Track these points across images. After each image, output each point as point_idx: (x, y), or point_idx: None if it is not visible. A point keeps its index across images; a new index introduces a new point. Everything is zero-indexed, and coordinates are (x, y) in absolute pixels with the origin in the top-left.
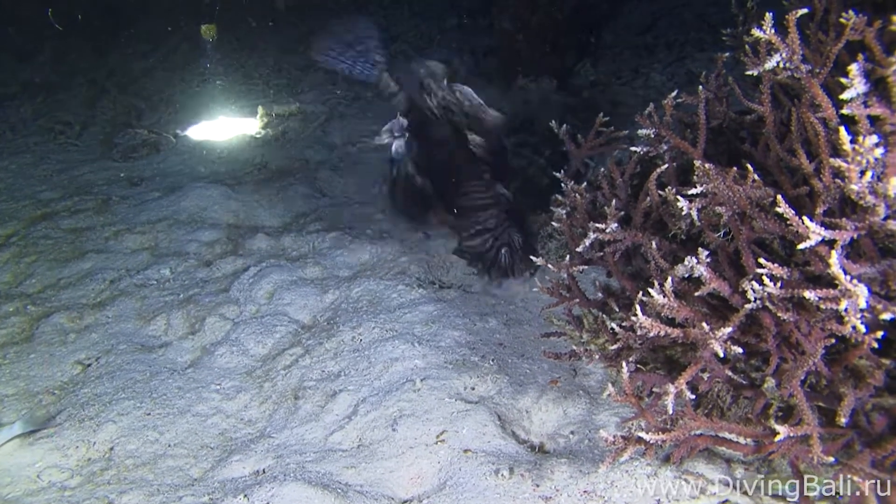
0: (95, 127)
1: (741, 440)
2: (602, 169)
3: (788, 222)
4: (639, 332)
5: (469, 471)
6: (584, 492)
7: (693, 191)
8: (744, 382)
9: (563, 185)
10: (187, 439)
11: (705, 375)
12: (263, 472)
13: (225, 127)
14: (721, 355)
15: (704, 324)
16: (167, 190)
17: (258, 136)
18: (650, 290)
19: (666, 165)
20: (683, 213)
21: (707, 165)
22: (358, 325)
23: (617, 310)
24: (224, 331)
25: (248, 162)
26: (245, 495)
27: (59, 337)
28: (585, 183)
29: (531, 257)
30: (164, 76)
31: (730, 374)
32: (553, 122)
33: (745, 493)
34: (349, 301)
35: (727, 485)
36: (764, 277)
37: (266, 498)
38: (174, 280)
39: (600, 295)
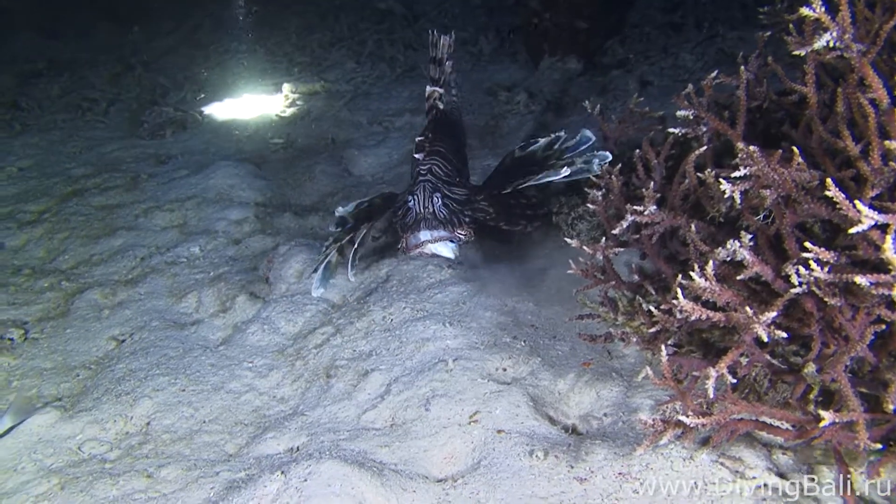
0: (121, 104)
1: (782, 425)
2: (637, 151)
3: (838, 206)
4: (679, 316)
5: (503, 451)
6: (620, 473)
7: (737, 173)
8: (783, 367)
9: (599, 163)
10: (222, 416)
11: (744, 360)
12: (298, 449)
13: (250, 105)
14: (766, 339)
15: (748, 308)
16: (195, 168)
17: (283, 114)
18: (691, 273)
19: (704, 147)
20: (726, 195)
21: (752, 147)
22: (388, 305)
23: (653, 293)
24: (255, 309)
25: (274, 141)
26: (282, 472)
27: (94, 313)
28: (620, 165)
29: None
30: (187, 53)
31: (769, 358)
32: (587, 101)
33: (784, 477)
34: (378, 281)
35: (766, 469)
36: (811, 261)
37: (303, 475)
38: (204, 258)
39: (636, 277)
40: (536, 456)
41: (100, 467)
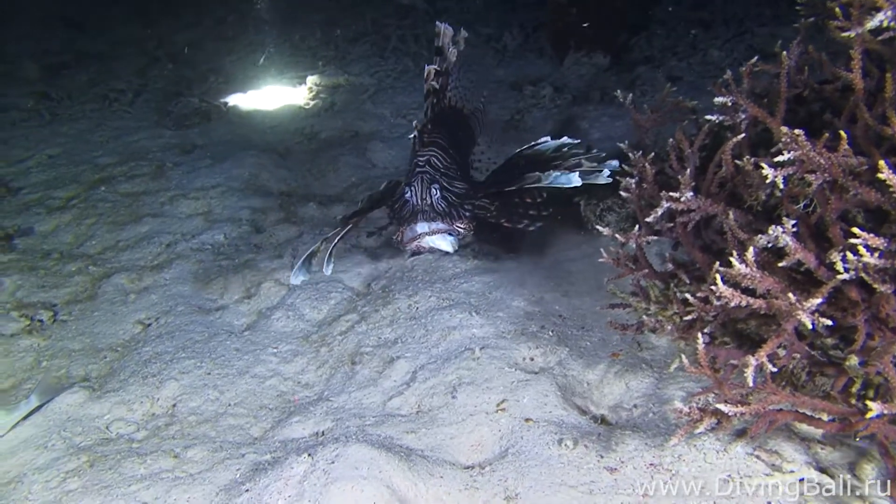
0: (147, 95)
1: (824, 417)
2: (670, 140)
3: (892, 190)
4: (716, 304)
5: (531, 440)
6: (651, 464)
7: (780, 157)
8: (823, 359)
9: (629, 155)
10: (247, 399)
11: (781, 352)
12: (323, 433)
13: (274, 97)
14: (810, 327)
15: (791, 294)
16: (220, 157)
17: (307, 106)
18: (731, 258)
19: (743, 135)
20: (768, 180)
21: (797, 131)
22: (414, 294)
23: (687, 281)
24: (279, 296)
25: (298, 132)
26: (309, 454)
27: (120, 297)
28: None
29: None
30: (212, 46)
31: (809, 350)
32: (618, 91)
33: (826, 472)
34: (403, 270)
35: (805, 464)
36: (860, 248)
37: (330, 457)
38: (229, 245)
39: (670, 266)
40: (566, 445)
41: (127, 447)
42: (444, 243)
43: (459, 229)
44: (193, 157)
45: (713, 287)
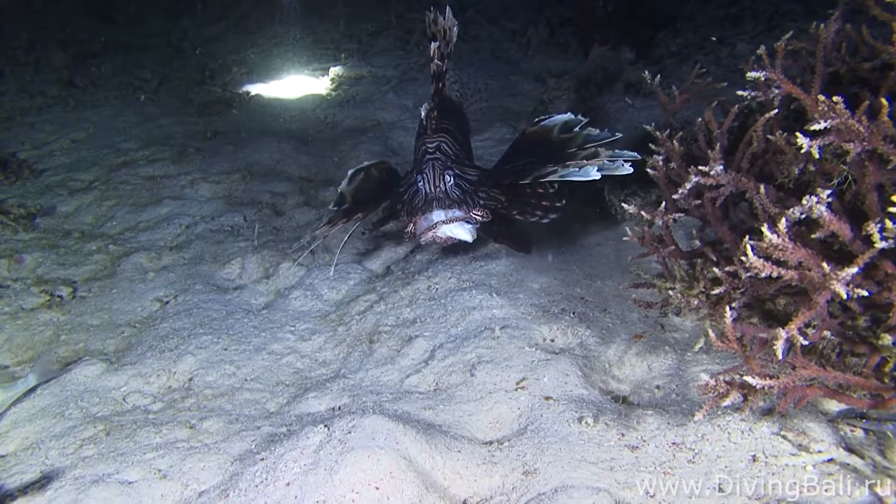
0: (171, 84)
1: (856, 395)
2: (699, 119)
3: None
4: (745, 276)
5: (551, 417)
6: (673, 443)
7: (816, 126)
8: (854, 337)
9: (655, 135)
10: (263, 375)
11: (810, 331)
12: (339, 409)
13: (297, 87)
14: (845, 296)
15: (825, 264)
16: (241, 144)
17: (330, 97)
18: (763, 228)
19: (776, 111)
20: (803, 150)
21: (836, 98)
22: (433, 275)
23: (714, 260)
24: (298, 276)
25: (320, 121)
26: (325, 425)
27: (139, 275)
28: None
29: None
30: (235, 39)
31: (839, 327)
32: (646, 72)
33: (855, 452)
34: (423, 252)
35: (833, 444)
36: None
37: (347, 428)
38: (248, 227)
39: (698, 243)
40: (586, 423)
41: (143, 417)
42: (463, 231)
43: (477, 217)
44: (215, 143)
45: (743, 258)
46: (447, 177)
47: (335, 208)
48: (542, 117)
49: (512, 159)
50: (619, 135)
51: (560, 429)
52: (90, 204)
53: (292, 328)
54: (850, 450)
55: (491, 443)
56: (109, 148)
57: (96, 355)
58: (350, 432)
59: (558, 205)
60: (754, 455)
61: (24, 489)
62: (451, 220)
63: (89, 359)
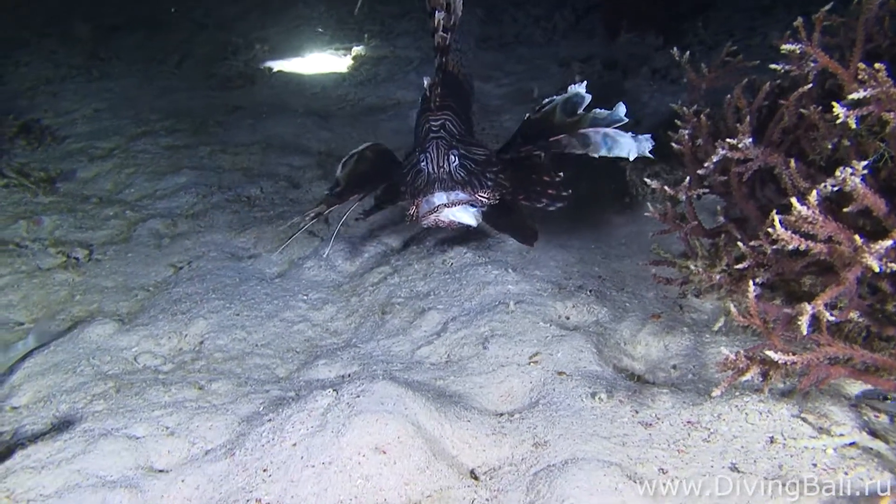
0: (194, 59)
1: (884, 376)
2: (727, 97)
3: None
4: (770, 251)
5: (564, 392)
6: (688, 422)
7: (854, 95)
8: (883, 319)
9: (682, 110)
10: (274, 342)
11: (834, 312)
12: (349, 376)
13: (319, 66)
14: (877, 270)
15: (857, 236)
16: (261, 118)
17: (351, 76)
18: (792, 200)
19: (810, 85)
20: (839, 120)
21: (878, 65)
22: (449, 250)
23: (738, 237)
24: (312, 247)
25: (340, 98)
26: (334, 389)
27: (155, 241)
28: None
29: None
30: (259, 17)
31: (869, 309)
32: (674, 48)
33: (877, 436)
34: (439, 228)
35: (855, 427)
36: None
37: (356, 392)
38: (265, 198)
39: (722, 219)
40: (599, 398)
41: (153, 377)
42: (466, 215)
43: (482, 199)
44: (236, 116)
45: (770, 230)
46: (452, 156)
47: (329, 192)
48: (544, 102)
49: (516, 145)
50: (625, 118)
51: (572, 403)
52: (109, 171)
53: (305, 297)
54: (874, 434)
55: (501, 414)
56: (130, 118)
57: (110, 316)
58: (359, 396)
59: (565, 193)
60: (772, 437)
61: (35, 438)
62: (453, 203)
63: (102, 318)
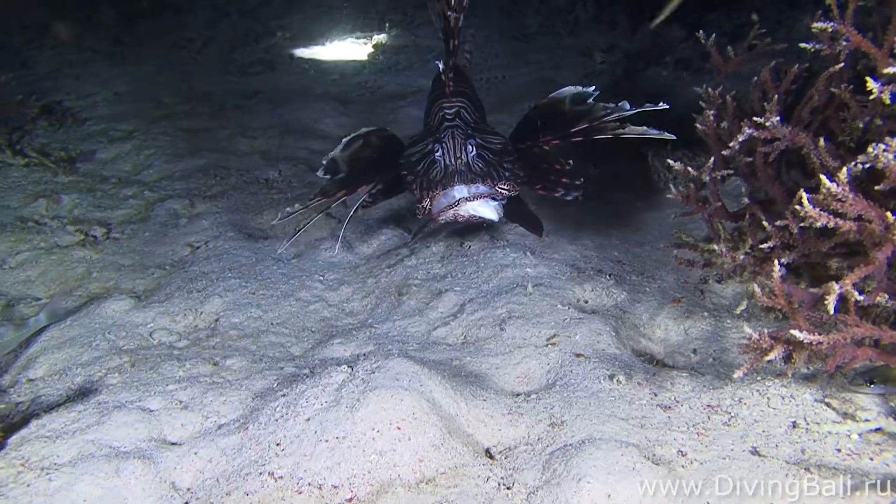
0: (215, 45)
1: None
2: (754, 78)
3: None
4: (796, 230)
5: (581, 374)
6: (708, 405)
7: (889, 69)
8: None
9: (707, 92)
10: (289, 321)
11: (864, 293)
12: (364, 355)
13: (340, 53)
14: None
15: (889, 213)
16: (281, 103)
17: (372, 64)
18: (821, 176)
19: (842, 65)
20: (873, 95)
21: None
22: (466, 232)
23: (763, 219)
24: (329, 228)
25: (360, 85)
26: (349, 366)
27: (172, 220)
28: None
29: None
30: (281, 5)
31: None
32: (700, 31)
33: None
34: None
35: (882, 414)
36: None
37: (371, 368)
38: (283, 181)
39: (746, 200)
40: (618, 380)
41: (168, 352)
42: (488, 209)
43: (503, 191)
44: (255, 101)
45: (797, 207)
46: (469, 146)
47: (327, 176)
48: (550, 92)
49: (524, 133)
50: (629, 110)
51: (590, 385)
52: (129, 152)
53: (321, 277)
54: None
55: (518, 395)
56: (151, 101)
57: (126, 293)
58: (374, 372)
59: (578, 183)
60: (795, 421)
61: (50, 409)
62: (474, 197)
63: (118, 295)
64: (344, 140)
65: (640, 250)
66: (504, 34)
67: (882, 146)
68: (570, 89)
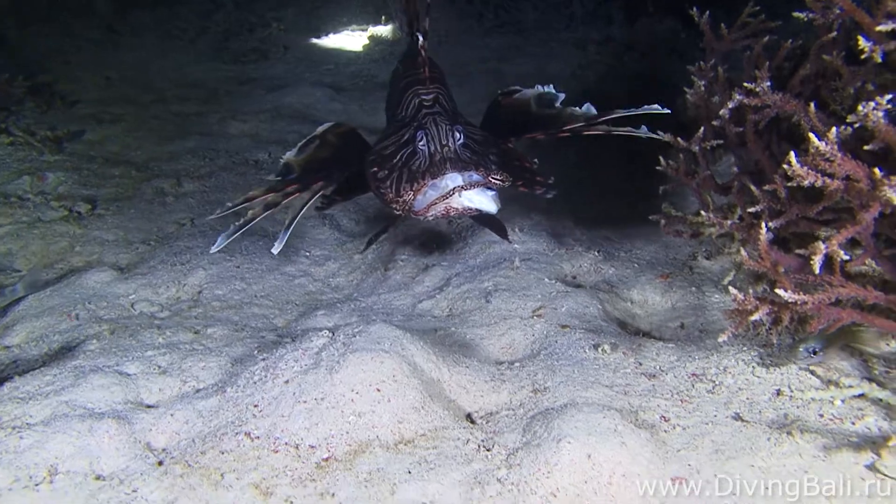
0: (209, 35)
1: (893, 322)
2: (746, 53)
3: None
4: (783, 193)
5: (566, 343)
6: (693, 374)
7: (882, 26)
8: None
9: (699, 65)
10: (273, 293)
11: (847, 257)
12: (347, 325)
13: (334, 44)
14: None
15: (877, 169)
16: (273, 89)
17: (367, 55)
18: (809, 135)
19: (835, 33)
20: (864, 55)
21: None
22: (431, 241)
23: (752, 186)
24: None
25: (354, 74)
26: (330, 330)
27: (159, 198)
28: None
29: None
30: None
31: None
32: (694, 9)
33: (886, 387)
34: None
35: (864, 379)
36: None
37: (352, 332)
38: (272, 162)
39: (735, 169)
40: (603, 350)
41: (149, 321)
42: (486, 199)
43: (496, 181)
44: (247, 88)
45: (785, 166)
46: (457, 133)
47: (278, 178)
48: (513, 88)
49: (491, 128)
50: (593, 111)
51: (575, 354)
52: (118, 134)
53: (307, 253)
54: (882, 385)
55: (502, 363)
56: (143, 87)
57: (109, 267)
58: (355, 336)
59: (550, 182)
60: (779, 389)
61: (24, 373)
62: (470, 186)
63: (101, 267)
64: (300, 143)
65: (630, 229)
66: (499, 29)
67: (871, 104)
68: (535, 90)
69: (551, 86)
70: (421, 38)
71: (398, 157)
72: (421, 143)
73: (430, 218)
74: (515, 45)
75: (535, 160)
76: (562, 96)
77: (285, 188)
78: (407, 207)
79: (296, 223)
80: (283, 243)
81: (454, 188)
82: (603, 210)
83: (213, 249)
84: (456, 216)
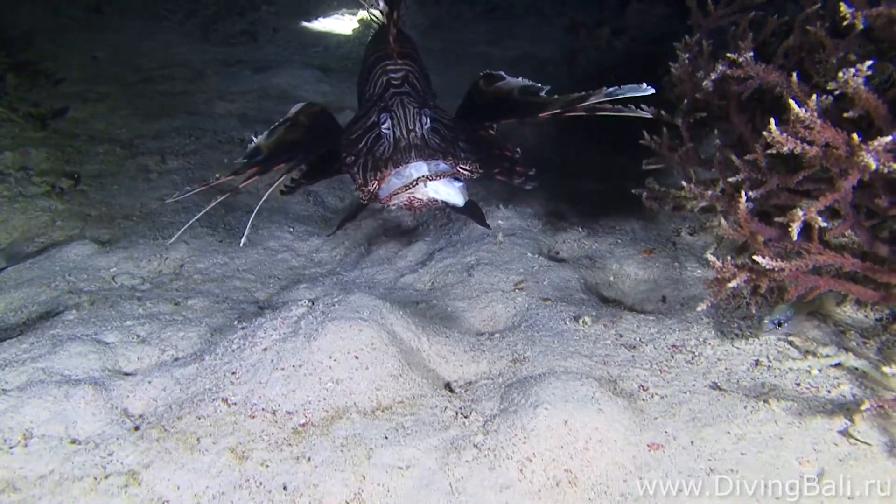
0: (198, 18)
1: (869, 290)
2: (732, 28)
3: None
4: (763, 161)
5: (547, 315)
6: (672, 346)
7: None
8: (878, 237)
9: (684, 39)
10: (255, 268)
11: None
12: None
13: (324, 27)
14: (874, 167)
15: (855, 135)
16: (261, 70)
17: (356, 38)
18: (790, 102)
19: (819, 5)
20: (846, 22)
21: None
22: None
23: (734, 158)
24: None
25: (343, 56)
26: (310, 300)
27: (143, 175)
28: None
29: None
30: None
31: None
32: None
33: (861, 356)
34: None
35: (841, 349)
36: None
37: (331, 302)
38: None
39: (718, 141)
40: (583, 321)
41: (130, 293)
42: (452, 191)
43: (465, 172)
44: (236, 69)
45: (765, 133)
46: (424, 118)
47: (244, 161)
48: (497, 73)
49: (469, 114)
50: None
51: (555, 325)
52: (103, 112)
53: (291, 229)
54: (859, 356)
55: (482, 334)
56: (130, 67)
57: (91, 240)
58: (334, 305)
59: (531, 173)
60: (757, 360)
61: (1, 341)
62: (436, 176)
63: (82, 240)
64: (272, 126)
65: (616, 203)
66: (490, 13)
67: (852, 70)
68: (517, 81)
69: (539, 84)
70: (388, 6)
71: (363, 141)
72: (385, 127)
73: (394, 208)
74: (507, 28)
75: (518, 149)
76: (547, 88)
77: (247, 171)
78: (372, 196)
79: (261, 206)
80: (246, 236)
81: (418, 178)
82: (587, 187)
83: (169, 243)
84: (421, 207)
